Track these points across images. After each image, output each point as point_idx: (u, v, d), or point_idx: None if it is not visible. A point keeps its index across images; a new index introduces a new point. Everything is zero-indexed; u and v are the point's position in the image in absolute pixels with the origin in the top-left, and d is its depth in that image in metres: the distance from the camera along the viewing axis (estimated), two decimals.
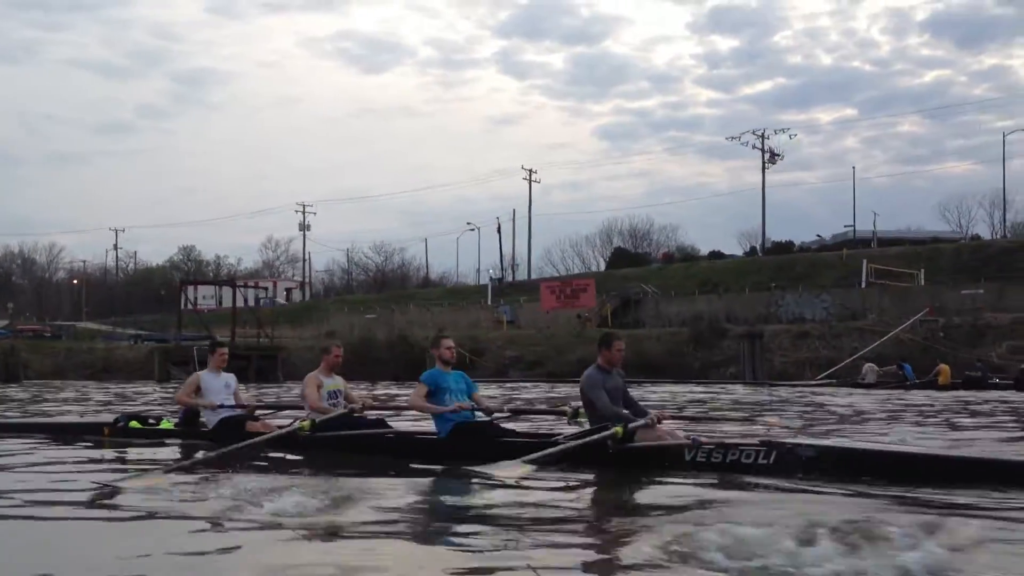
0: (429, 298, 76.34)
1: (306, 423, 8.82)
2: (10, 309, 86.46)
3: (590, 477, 7.29)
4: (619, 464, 7.45)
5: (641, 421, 7.66)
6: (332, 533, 5.09)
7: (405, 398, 11.45)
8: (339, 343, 10.10)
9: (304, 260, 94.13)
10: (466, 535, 5.14)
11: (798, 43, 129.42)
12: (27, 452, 9.31)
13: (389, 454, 8.54)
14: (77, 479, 7.33)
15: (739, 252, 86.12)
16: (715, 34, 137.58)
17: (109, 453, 9.42)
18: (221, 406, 9.67)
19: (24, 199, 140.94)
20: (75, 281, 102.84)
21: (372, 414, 9.42)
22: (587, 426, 7.96)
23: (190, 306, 49.03)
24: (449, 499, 6.49)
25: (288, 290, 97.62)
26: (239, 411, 9.77)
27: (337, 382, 9.45)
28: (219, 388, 9.77)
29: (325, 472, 7.45)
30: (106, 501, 6.32)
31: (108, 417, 11.11)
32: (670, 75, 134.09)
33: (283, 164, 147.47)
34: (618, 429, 7.46)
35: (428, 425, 9.02)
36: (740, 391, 26.25)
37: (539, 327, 47.59)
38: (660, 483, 6.94)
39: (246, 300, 54.87)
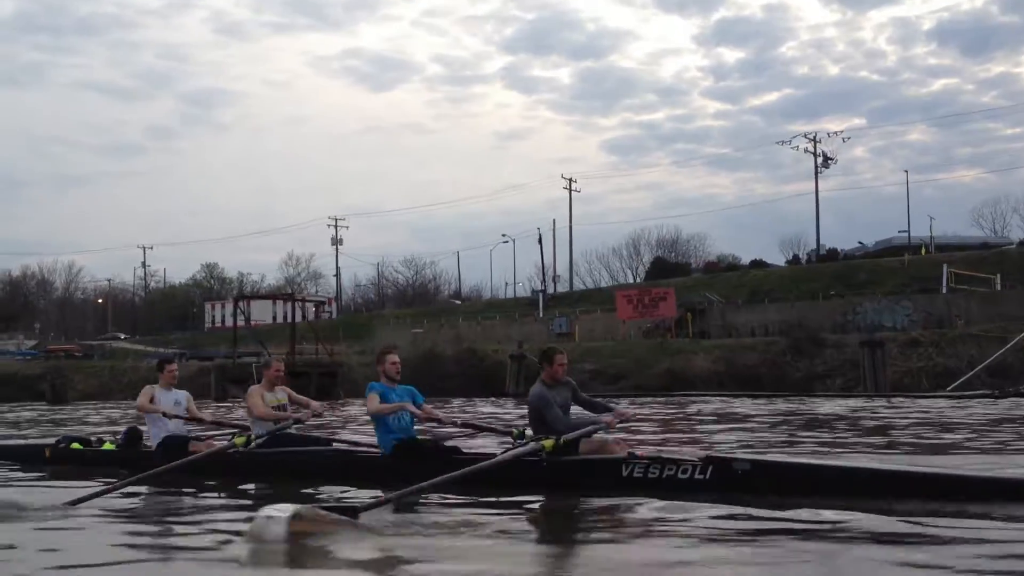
0: (468, 311, 74.23)
1: (240, 439, 8.69)
2: (37, 330, 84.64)
3: (512, 498, 6.97)
4: (553, 480, 7.37)
5: (587, 429, 7.57)
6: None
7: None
8: (280, 357, 11.07)
9: (337, 275, 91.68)
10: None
11: (805, 54, 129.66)
12: None
13: (328, 471, 8.36)
14: None
15: (777, 260, 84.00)
16: (722, 46, 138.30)
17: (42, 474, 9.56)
18: (176, 416, 9.59)
19: (32, 221, 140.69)
20: (99, 300, 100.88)
21: (315, 423, 9.46)
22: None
23: (247, 322, 46.61)
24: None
25: (317, 306, 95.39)
26: (186, 428, 9.82)
27: (280, 396, 9.32)
28: (168, 405, 9.65)
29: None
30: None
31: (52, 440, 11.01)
32: (677, 88, 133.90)
33: (291, 182, 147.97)
34: (545, 443, 7.31)
35: (372, 441, 8.89)
36: (876, 407, 23.75)
37: (595, 339, 45.47)
38: (588, 502, 6.82)
39: (304, 315, 52.57)
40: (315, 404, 9.42)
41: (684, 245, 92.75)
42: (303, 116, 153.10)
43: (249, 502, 7.33)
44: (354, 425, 17.02)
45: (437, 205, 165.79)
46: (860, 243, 78.79)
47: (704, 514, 6.07)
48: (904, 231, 72.12)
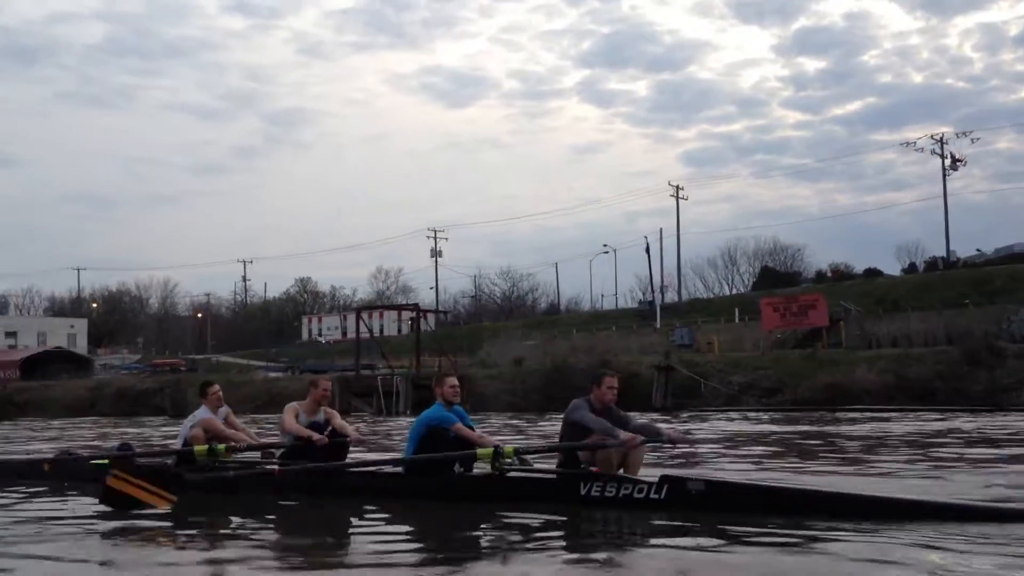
0: (569, 324, 72.04)
1: (201, 448, 8.81)
2: (140, 344, 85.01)
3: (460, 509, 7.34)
4: (507, 494, 7.47)
5: (584, 442, 7.50)
6: None
7: None
8: (327, 378, 10.59)
9: (435, 287, 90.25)
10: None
11: (888, 62, 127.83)
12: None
13: (348, 489, 8.37)
14: None
15: (891, 270, 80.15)
16: (802, 56, 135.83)
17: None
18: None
19: (124, 239, 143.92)
20: (199, 315, 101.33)
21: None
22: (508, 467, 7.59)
23: (370, 334, 45.17)
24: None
25: (412, 319, 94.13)
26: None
27: (319, 419, 9.02)
28: None
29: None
30: None
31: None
32: (756, 98, 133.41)
33: (371, 199, 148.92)
34: (483, 451, 7.49)
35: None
36: None
37: (725, 350, 42.86)
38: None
39: (422, 325, 50.92)
40: (354, 435, 9.17)
41: (782, 254, 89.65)
42: (382, 133, 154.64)
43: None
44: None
45: (516, 219, 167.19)
46: (978, 250, 75.44)
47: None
48: None
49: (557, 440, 8.29)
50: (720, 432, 20.14)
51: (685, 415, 28.73)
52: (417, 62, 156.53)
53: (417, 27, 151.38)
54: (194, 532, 7.35)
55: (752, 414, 28.69)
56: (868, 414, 26.53)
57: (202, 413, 9.47)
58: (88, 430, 28.54)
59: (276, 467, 8.65)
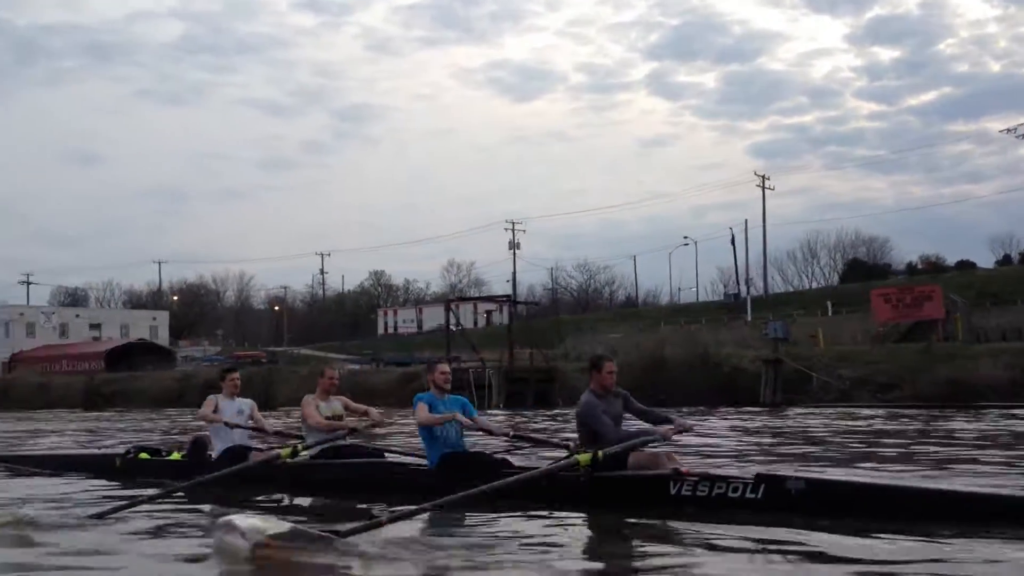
0: (651, 317, 70.48)
1: (286, 450, 8.72)
2: (220, 336, 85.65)
3: (549, 515, 6.94)
4: (594, 498, 7.16)
5: (633, 441, 7.19)
6: None
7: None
8: (333, 366, 10.72)
9: (513, 280, 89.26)
10: None
11: (964, 51, 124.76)
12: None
13: (372, 484, 8.29)
14: None
15: (980, 262, 77.07)
16: (876, 45, 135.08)
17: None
18: (238, 426, 9.53)
19: (198, 233, 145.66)
20: (276, 308, 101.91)
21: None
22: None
23: (458, 325, 44.35)
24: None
25: (488, 312, 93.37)
26: (249, 438, 9.73)
27: (335, 407, 9.24)
28: (232, 414, 9.61)
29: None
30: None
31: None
32: (829, 89, 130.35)
33: (438, 193, 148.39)
34: (580, 457, 7.05)
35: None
36: None
37: (818, 343, 40.95)
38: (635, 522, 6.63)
39: (514, 316, 49.93)
40: (374, 413, 9.29)
41: (864, 247, 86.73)
42: (448, 128, 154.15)
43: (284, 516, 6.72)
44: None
45: (583, 212, 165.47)
46: None
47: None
48: None
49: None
50: (843, 428, 18.84)
51: (796, 411, 27.14)
52: (484, 56, 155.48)
53: (484, 21, 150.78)
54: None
55: (868, 410, 27.00)
56: (999, 411, 24.74)
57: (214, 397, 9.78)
58: (173, 422, 28.25)
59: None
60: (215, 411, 9.60)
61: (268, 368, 44.22)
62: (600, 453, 7.00)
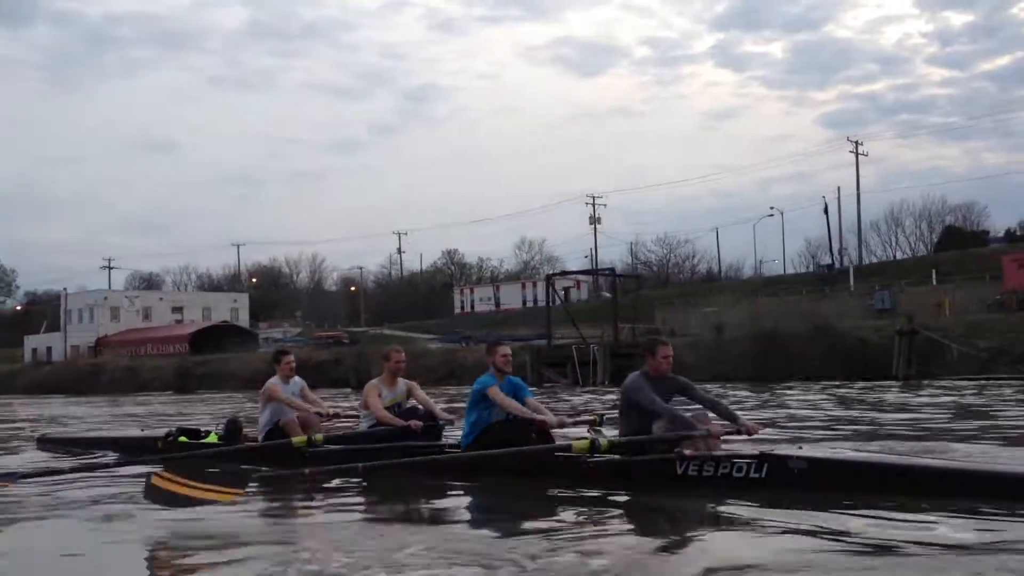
0: (739, 289, 68.21)
1: (301, 439, 8.77)
2: (299, 317, 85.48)
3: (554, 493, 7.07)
4: (599, 476, 7.22)
5: (673, 434, 7.03)
6: None
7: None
8: (399, 348, 9.57)
9: (594, 255, 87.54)
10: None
11: None
12: None
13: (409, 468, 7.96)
14: None
15: None
16: (947, 10, 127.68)
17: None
18: (301, 407, 9.61)
19: (271, 215, 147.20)
20: (352, 288, 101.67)
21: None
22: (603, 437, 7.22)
23: (559, 301, 43.10)
24: None
25: (566, 289, 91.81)
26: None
27: (400, 392, 9.02)
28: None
29: None
30: None
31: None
32: (899, 56, 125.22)
33: (504, 171, 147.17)
34: (577, 444, 7.09)
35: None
36: None
37: (927, 315, 38.63)
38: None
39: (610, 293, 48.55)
40: (438, 411, 8.92)
41: (952, 214, 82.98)
42: (513, 106, 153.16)
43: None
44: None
45: (652, 187, 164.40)
46: None
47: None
48: None
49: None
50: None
51: (937, 385, 25.06)
52: (547, 33, 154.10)
53: None
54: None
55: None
56: None
57: (273, 381, 9.69)
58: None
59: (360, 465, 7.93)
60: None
61: (357, 348, 43.23)
62: (606, 441, 7.03)
